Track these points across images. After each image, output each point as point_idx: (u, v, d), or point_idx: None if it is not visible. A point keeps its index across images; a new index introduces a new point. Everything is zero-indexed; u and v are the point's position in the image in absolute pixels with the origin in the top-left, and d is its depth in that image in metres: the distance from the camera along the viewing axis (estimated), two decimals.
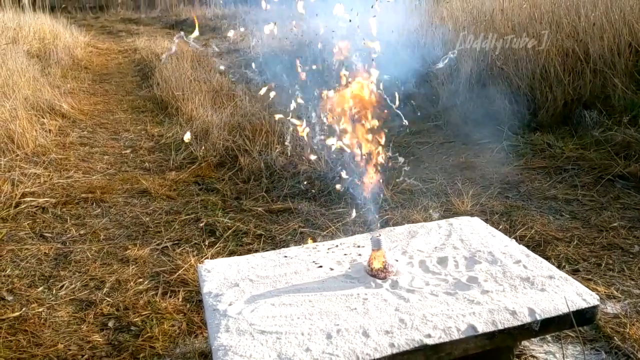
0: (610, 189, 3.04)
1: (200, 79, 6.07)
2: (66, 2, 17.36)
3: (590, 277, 2.17)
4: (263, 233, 2.80)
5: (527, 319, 1.35)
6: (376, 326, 1.34)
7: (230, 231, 2.83)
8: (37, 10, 10.81)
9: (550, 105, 4.11)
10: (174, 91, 5.64)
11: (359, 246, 1.77)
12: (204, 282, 1.61)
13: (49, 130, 4.62)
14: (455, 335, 1.31)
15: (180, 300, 2.23)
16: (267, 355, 1.26)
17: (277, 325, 1.36)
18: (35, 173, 3.65)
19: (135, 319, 2.12)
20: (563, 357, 1.72)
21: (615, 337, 1.77)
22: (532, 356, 1.74)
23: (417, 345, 1.28)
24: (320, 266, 1.65)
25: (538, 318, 1.36)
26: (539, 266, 1.57)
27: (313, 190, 3.25)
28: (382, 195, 3.01)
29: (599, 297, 1.43)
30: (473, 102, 4.54)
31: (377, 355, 1.25)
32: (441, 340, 1.30)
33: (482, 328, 1.33)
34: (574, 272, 2.21)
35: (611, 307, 1.95)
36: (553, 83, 4.18)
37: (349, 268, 1.63)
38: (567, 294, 1.43)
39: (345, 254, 1.73)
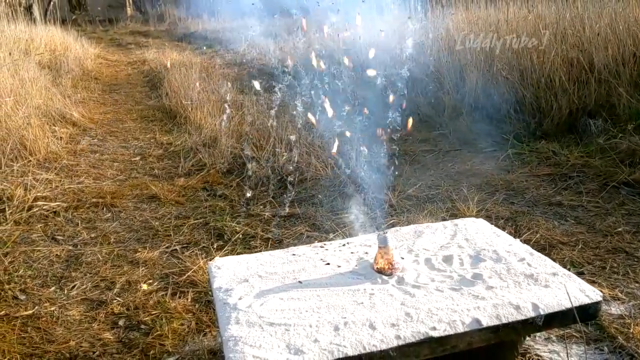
0: (615, 196, 3.06)
1: (208, 89, 6.16)
2: (76, 15, 17.66)
3: (594, 279, 2.19)
4: (271, 237, 2.84)
5: (531, 314, 1.38)
6: (382, 319, 1.37)
7: (238, 235, 2.87)
8: (48, 22, 11.01)
9: (555, 114, 4.15)
10: (183, 101, 5.73)
11: (366, 245, 1.81)
12: (214, 278, 1.64)
13: (60, 137, 4.70)
14: (460, 329, 1.34)
15: (189, 300, 2.27)
16: (276, 345, 1.29)
17: (285, 317, 1.40)
18: (47, 178, 3.71)
19: (145, 318, 2.16)
20: (567, 356, 1.74)
21: (619, 337, 1.79)
22: (537, 355, 1.76)
23: (422, 337, 1.31)
24: (328, 263, 1.69)
25: (542, 313, 1.38)
26: (543, 264, 1.60)
27: (320, 196, 3.29)
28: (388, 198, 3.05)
29: (601, 294, 1.46)
30: (478, 111, 4.58)
31: (384, 347, 1.28)
32: (446, 333, 1.33)
33: (486, 322, 1.35)
34: (578, 275, 2.22)
35: (615, 308, 1.97)
36: (558, 92, 4.22)
37: (356, 265, 1.67)
38: (571, 290, 1.45)
39: (352, 253, 1.76)
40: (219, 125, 4.46)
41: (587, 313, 1.43)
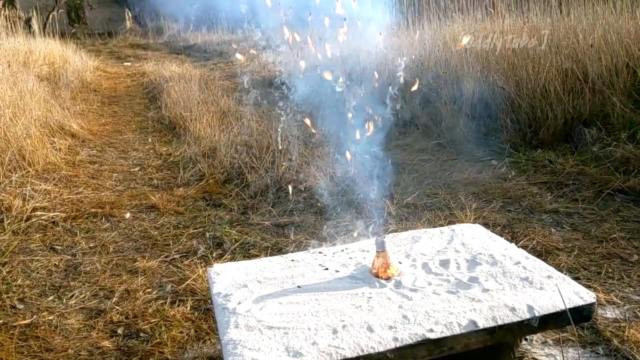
0: (610, 203, 3.09)
1: (207, 100, 6.20)
2: (76, 29, 17.77)
3: (590, 284, 2.21)
4: (270, 245, 2.86)
5: (526, 315, 1.40)
6: (380, 322, 1.38)
7: (237, 244, 2.88)
8: (47, 36, 11.08)
9: (551, 123, 4.19)
10: (182, 112, 5.76)
11: (364, 250, 1.83)
12: (214, 283, 1.66)
13: (59, 148, 4.72)
14: (457, 330, 1.35)
15: (188, 308, 2.28)
16: (275, 348, 1.31)
17: (284, 321, 1.41)
18: (46, 189, 3.72)
19: (144, 326, 2.16)
20: (563, 359, 1.75)
21: (614, 340, 1.81)
22: (534, 358, 1.77)
23: (419, 339, 1.33)
24: (326, 268, 1.71)
25: (537, 314, 1.40)
26: (538, 267, 1.62)
27: (319, 205, 3.31)
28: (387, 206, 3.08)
29: (595, 296, 1.47)
30: (475, 121, 4.63)
31: (381, 349, 1.30)
32: (443, 335, 1.34)
33: (482, 323, 1.37)
34: (574, 280, 2.25)
35: (610, 312, 1.99)
36: (553, 102, 4.27)
37: (354, 270, 1.68)
38: (565, 292, 1.47)
39: (350, 258, 1.78)
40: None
41: (581, 314, 1.45)
